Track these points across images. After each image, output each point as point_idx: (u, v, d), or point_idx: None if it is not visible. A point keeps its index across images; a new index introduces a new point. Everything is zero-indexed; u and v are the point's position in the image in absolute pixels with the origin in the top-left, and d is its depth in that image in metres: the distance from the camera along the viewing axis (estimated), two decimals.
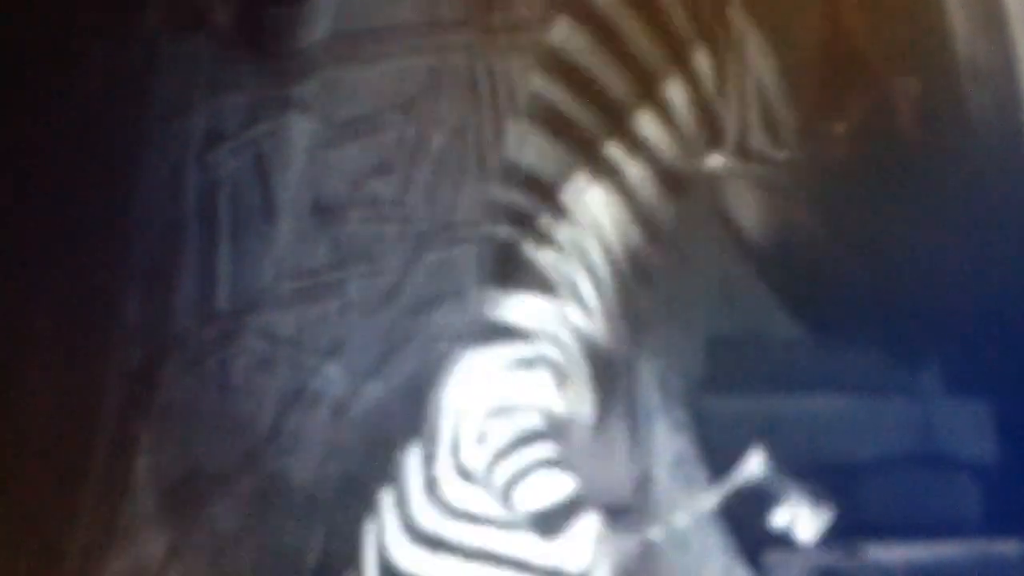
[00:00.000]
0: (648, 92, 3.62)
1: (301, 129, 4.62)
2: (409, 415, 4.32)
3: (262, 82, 4.66)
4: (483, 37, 4.61)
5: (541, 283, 3.56)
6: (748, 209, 4.40)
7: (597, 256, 3.58)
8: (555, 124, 3.65)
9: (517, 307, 3.56)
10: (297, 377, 4.50)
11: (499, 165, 3.70)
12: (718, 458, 4.29)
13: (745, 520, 4.21)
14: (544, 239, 3.56)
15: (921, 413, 4.51)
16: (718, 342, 4.58)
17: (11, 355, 4.51)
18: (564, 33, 3.74)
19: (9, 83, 4.50)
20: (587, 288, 3.58)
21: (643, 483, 4.35)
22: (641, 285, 3.69)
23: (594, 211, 3.57)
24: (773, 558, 4.20)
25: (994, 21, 4.36)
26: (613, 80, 3.63)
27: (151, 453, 4.49)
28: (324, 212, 4.58)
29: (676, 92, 3.64)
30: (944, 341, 4.46)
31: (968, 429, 4.50)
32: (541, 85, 3.74)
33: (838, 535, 4.31)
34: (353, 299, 4.53)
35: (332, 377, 4.49)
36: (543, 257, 3.56)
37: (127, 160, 4.65)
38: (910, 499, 4.43)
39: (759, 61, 3.74)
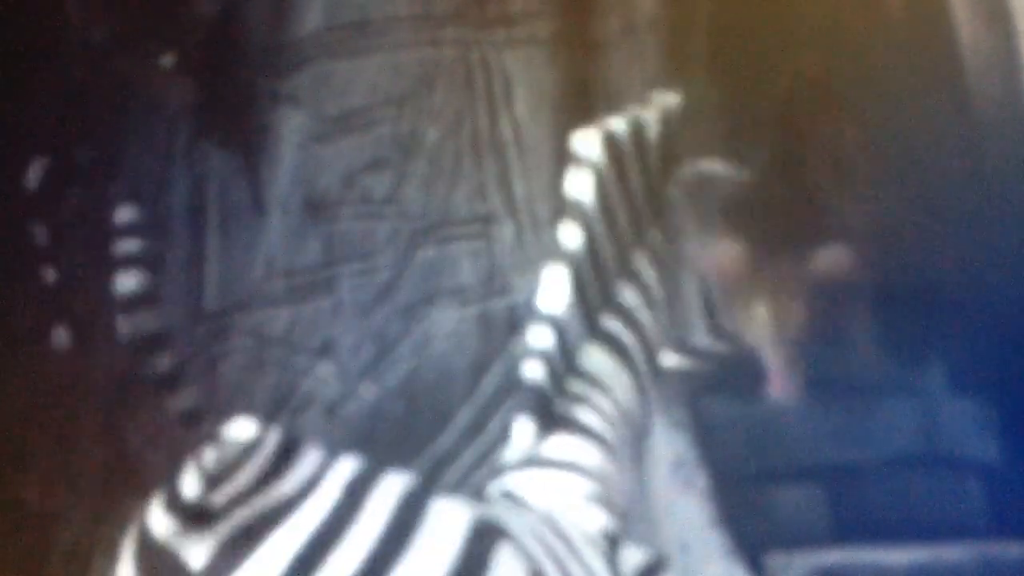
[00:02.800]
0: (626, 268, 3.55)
1: (292, 123, 4.60)
2: (403, 416, 4.34)
3: (252, 75, 4.65)
4: (478, 30, 4.59)
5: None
6: None
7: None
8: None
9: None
10: (288, 378, 4.47)
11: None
12: (718, 458, 4.29)
13: (745, 521, 4.21)
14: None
15: (924, 413, 4.49)
16: None
17: None
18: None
19: None
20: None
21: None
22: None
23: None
24: (773, 559, 4.17)
25: (997, 14, 4.36)
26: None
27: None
28: (316, 209, 4.55)
29: (630, 295, 3.57)
30: (948, 341, 4.45)
31: (972, 430, 4.49)
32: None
33: (839, 535, 4.31)
34: (345, 298, 4.50)
35: (324, 378, 4.46)
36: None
37: (114, 152, 4.63)
38: (913, 499, 4.41)
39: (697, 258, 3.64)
